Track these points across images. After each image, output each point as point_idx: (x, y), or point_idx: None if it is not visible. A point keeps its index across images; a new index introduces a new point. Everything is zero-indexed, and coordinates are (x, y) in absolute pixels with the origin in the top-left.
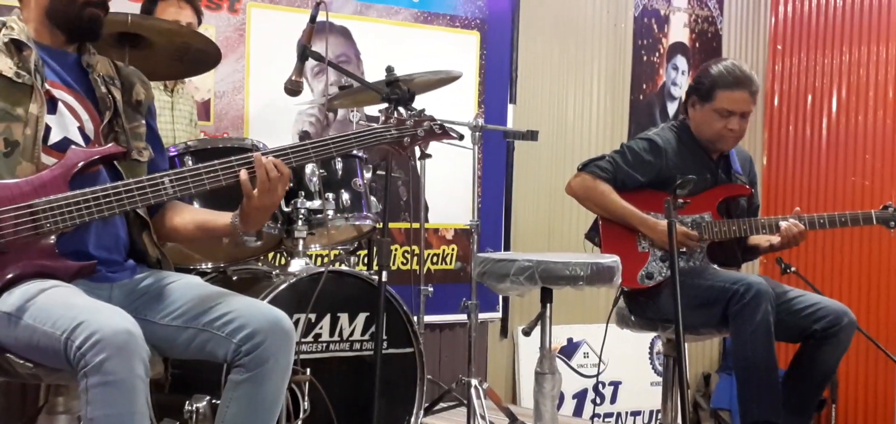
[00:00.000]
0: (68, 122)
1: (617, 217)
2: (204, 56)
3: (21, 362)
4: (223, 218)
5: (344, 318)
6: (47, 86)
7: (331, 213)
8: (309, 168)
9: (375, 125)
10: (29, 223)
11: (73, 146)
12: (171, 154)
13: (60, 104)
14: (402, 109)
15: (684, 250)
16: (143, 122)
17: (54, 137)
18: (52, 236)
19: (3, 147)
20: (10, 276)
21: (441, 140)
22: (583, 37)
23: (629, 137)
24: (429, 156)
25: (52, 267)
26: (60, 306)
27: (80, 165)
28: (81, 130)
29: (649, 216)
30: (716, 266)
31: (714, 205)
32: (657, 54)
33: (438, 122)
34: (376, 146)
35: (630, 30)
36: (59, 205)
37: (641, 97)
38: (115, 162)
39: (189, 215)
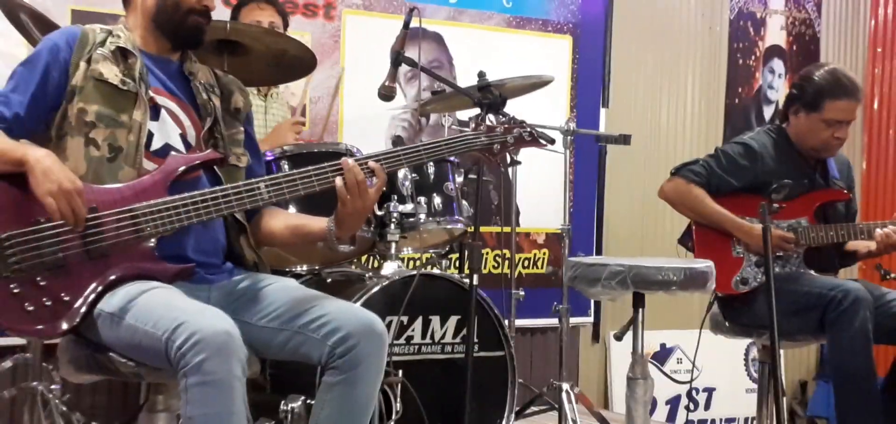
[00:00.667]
0: (170, 128)
1: (711, 222)
2: (299, 62)
3: (123, 360)
4: (318, 223)
5: (436, 321)
6: (151, 93)
7: (423, 217)
8: (401, 172)
9: (467, 132)
10: (130, 227)
11: (173, 152)
12: (268, 158)
13: (163, 111)
14: (492, 116)
15: (780, 254)
16: (242, 129)
17: (156, 143)
18: (152, 240)
19: (108, 152)
20: (112, 278)
21: (532, 147)
22: (677, 40)
23: (724, 142)
24: (518, 163)
25: (152, 270)
26: (162, 306)
27: (180, 170)
28: (183, 136)
29: (744, 221)
30: (812, 272)
31: (811, 210)
32: (753, 57)
33: (529, 128)
34: (467, 153)
35: (725, 33)
36: (158, 209)
37: (737, 101)
38: (215, 167)
39: (285, 220)
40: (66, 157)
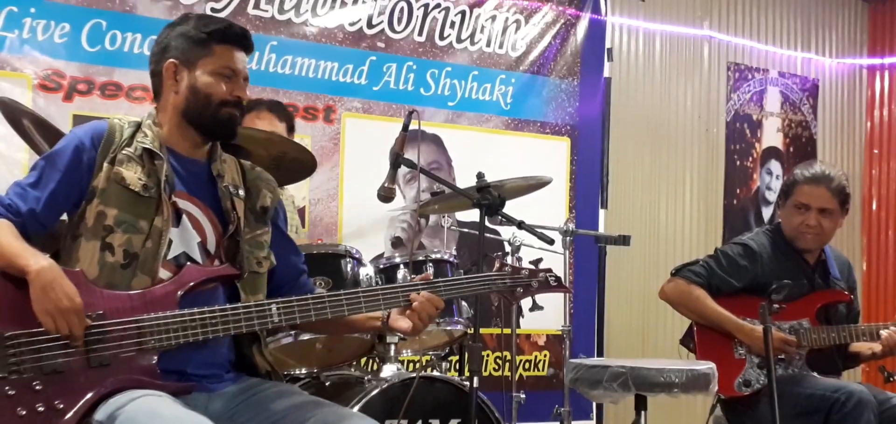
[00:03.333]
0: (190, 236)
1: (712, 323)
2: (300, 165)
3: None
4: (374, 320)
5: None
6: (174, 197)
7: None
8: (401, 273)
9: (490, 273)
10: (134, 339)
11: (189, 264)
12: None
13: (185, 216)
14: (513, 261)
15: (783, 357)
16: (268, 229)
17: (174, 251)
18: (155, 355)
19: (123, 259)
20: (109, 389)
21: (556, 292)
22: (674, 142)
23: (723, 242)
24: (540, 308)
25: (151, 384)
26: (146, 416)
27: (192, 284)
28: (202, 244)
29: (745, 322)
30: (815, 374)
31: (812, 311)
32: (750, 159)
33: (554, 274)
34: (489, 293)
35: (722, 134)
36: (165, 323)
37: (735, 202)
38: (236, 282)
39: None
40: (77, 259)
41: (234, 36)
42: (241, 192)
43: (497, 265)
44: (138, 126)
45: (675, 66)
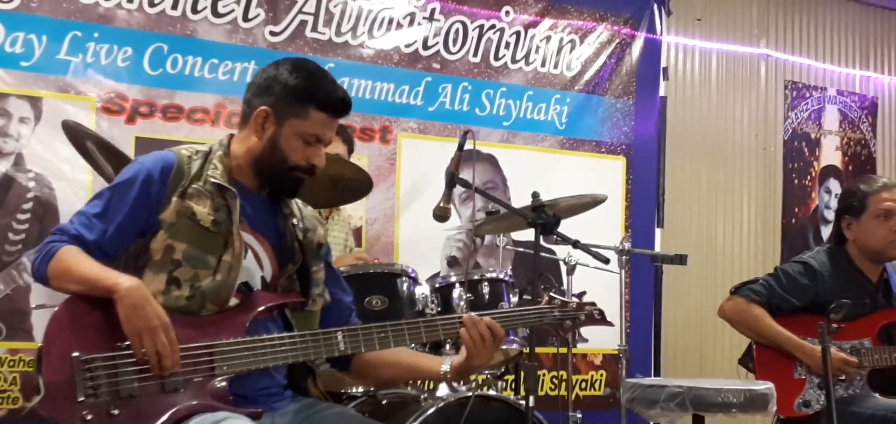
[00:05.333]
0: (253, 269)
1: (771, 342)
2: (357, 185)
3: None
4: (432, 364)
5: None
6: (243, 235)
7: None
8: (456, 292)
9: (540, 306)
10: (205, 365)
11: (257, 290)
12: None
13: (249, 251)
14: (559, 297)
15: (843, 377)
16: (322, 264)
17: (238, 280)
18: (226, 379)
19: (188, 292)
20: (182, 414)
21: (600, 326)
22: (731, 160)
23: (781, 261)
24: (585, 340)
25: (223, 408)
26: None
27: (261, 309)
28: (263, 278)
29: (805, 342)
30: (877, 395)
31: (874, 331)
32: (809, 177)
33: (598, 309)
34: (539, 325)
35: (780, 153)
36: (237, 350)
37: (794, 220)
38: (286, 310)
39: (395, 358)
40: None
41: (334, 106)
42: (301, 227)
43: (545, 298)
44: (206, 157)
45: (731, 84)
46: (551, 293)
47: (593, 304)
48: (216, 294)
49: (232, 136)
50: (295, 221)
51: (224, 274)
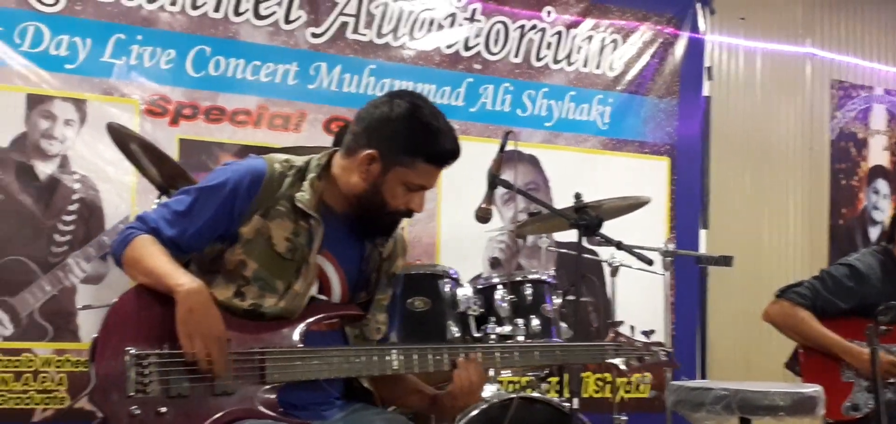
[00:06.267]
0: (319, 294)
1: (817, 345)
2: None
3: None
4: (425, 393)
5: None
6: (318, 258)
7: (521, 338)
8: (499, 293)
9: (604, 343)
10: (257, 370)
11: (314, 302)
12: None
13: (319, 279)
14: (630, 335)
15: (892, 380)
16: (390, 293)
17: None
18: (276, 388)
19: (247, 307)
20: (230, 418)
21: (665, 367)
22: (776, 161)
23: (829, 263)
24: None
25: (270, 416)
26: None
27: (314, 320)
28: (328, 298)
29: (853, 344)
30: None
31: None
32: (856, 178)
33: (665, 349)
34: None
35: (826, 153)
36: (290, 358)
37: (841, 222)
38: (346, 328)
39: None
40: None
41: (444, 159)
42: (385, 253)
43: (611, 335)
44: (301, 175)
45: (776, 84)
46: (617, 330)
47: (661, 344)
48: (276, 317)
49: (332, 156)
50: (381, 249)
51: (288, 302)
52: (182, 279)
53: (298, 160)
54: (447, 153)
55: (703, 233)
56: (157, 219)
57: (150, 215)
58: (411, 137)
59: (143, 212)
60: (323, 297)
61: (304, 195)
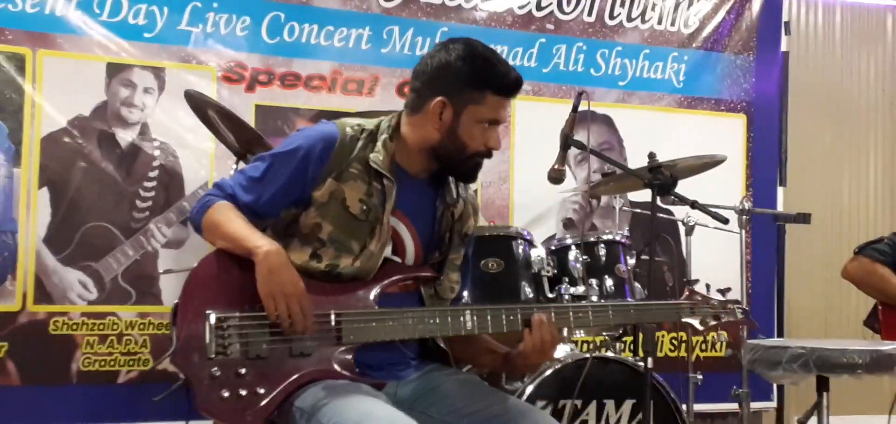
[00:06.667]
0: (392, 256)
1: None
2: None
3: None
4: (498, 352)
5: (610, 405)
6: (392, 220)
7: (595, 298)
8: (572, 254)
9: (680, 301)
10: (334, 332)
11: (392, 263)
12: None
13: (393, 239)
14: (706, 293)
15: None
16: (463, 253)
17: None
18: (353, 349)
19: (324, 267)
20: (307, 379)
21: (742, 326)
22: (856, 116)
23: None
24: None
25: (348, 377)
26: (354, 412)
27: (389, 281)
28: (402, 260)
29: None
30: None
31: None
32: None
33: (742, 307)
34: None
35: None
36: (366, 319)
37: None
38: (422, 289)
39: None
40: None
41: (510, 87)
42: (455, 215)
43: (686, 293)
44: (372, 137)
45: (856, 38)
46: (693, 289)
47: (737, 302)
48: (352, 277)
49: (400, 116)
50: (454, 209)
51: (364, 261)
52: (260, 242)
53: (369, 123)
54: (513, 81)
55: (780, 191)
56: (234, 185)
57: (226, 182)
58: (476, 73)
59: (220, 179)
60: (397, 258)
61: (378, 156)
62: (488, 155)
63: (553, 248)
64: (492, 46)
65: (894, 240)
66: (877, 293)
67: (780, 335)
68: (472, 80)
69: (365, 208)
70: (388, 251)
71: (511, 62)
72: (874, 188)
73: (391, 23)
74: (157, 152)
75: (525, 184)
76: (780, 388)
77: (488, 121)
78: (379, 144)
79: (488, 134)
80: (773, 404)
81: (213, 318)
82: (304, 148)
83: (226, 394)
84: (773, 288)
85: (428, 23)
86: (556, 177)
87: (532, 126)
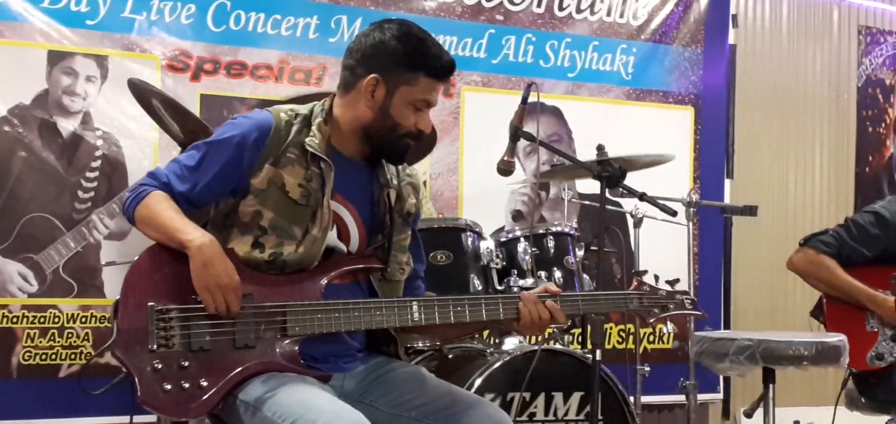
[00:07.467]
0: (337, 240)
1: (842, 293)
2: (422, 140)
3: None
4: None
5: (558, 397)
6: (333, 203)
7: None
8: (521, 246)
9: (627, 292)
10: (279, 324)
11: (336, 254)
12: None
13: (335, 223)
14: (649, 283)
15: None
16: (410, 232)
17: None
18: (298, 341)
19: (267, 257)
20: (252, 371)
21: (690, 316)
22: (803, 109)
23: (855, 212)
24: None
25: (293, 369)
26: (299, 405)
27: (336, 273)
28: (348, 251)
29: (878, 293)
30: None
31: None
32: (883, 125)
33: (690, 297)
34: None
35: (853, 101)
36: (310, 311)
37: (867, 170)
38: (372, 277)
39: None
40: (229, 248)
41: (443, 70)
42: (394, 195)
43: (635, 283)
44: (307, 121)
45: (803, 31)
46: (641, 279)
47: (685, 293)
48: (296, 265)
49: (333, 99)
50: (391, 190)
51: (307, 247)
52: (193, 234)
53: (303, 108)
54: (446, 64)
55: (727, 183)
56: (169, 174)
57: (161, 172)
58: (410, 54)
59: (155, 168)
60: (342, 244)
61: (313, 139)
62: (419, 137)
63: (502, 240)
64: (441, 37)
65: (839, 232)
66: (821, 285)
67: (727, 327)
68: (406, 60)
69: (305, 192)
70: (332, 236)
71: (460, 53)
72: (820, 181)
73: (339, 12)
74: (99, 142)
75: (474, 176)
76: (727, 380)
77: (420, 102)
78: (314, 127)
79: (419, 116)
80: (720, 396)
81: (154, 309)
82: (239, 135)
83: (168, 387)
84: (719, 280)
85: (377, 12)
86: (505, 169)
87: (481, 117)
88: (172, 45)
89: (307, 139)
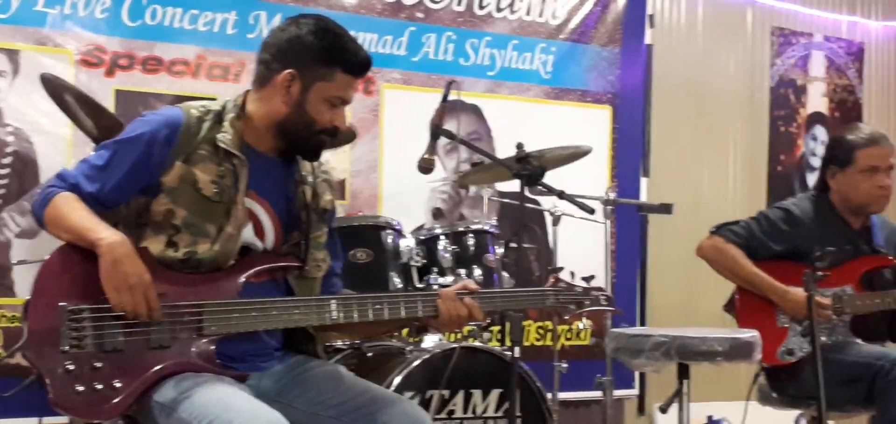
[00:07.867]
0: (254, 239)
1: (748, 283)
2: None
3: None
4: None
5: (477, 395)
6: (247, 200)
7: None
8: (441, 243)
9: (544, 288)
10: (194, 323)
11: (251, 253)
12: None
13: (251, 219)
14: (571, 280)
15: (828, 326)
16: (326, 229)
17: None
18: (214, 340)
19: (182, 256)
20: (167, 371)
21: (605, 312)
22: (717, 109)
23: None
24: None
25: (208, 369)
26: (216, 404)
27: (253, 272)
28: (264, 249)
29: (779, 285)
30: (860, 341)
31: (856, 277)
32: (795, 125)
33: (606, 294)
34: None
35: (766, 100)
36: (227, 310)
37: (779, 168)
38: (289, 276)
39: None
40: (143, 247)
41: (360, 67)
42: (309, 192)
43: (551, 280)
44: (219, 117)
45: (718, 32)
46: (558, 276)
47: (602, 289)
48: (212, 263)
49: (246, 94)
50: (306, 187)
51: (222, 245)
52: (103, 233)
53: (214, 105)
54: (363, 60)
55: (644, 181)
56: (77, 175)
57: (69, 173)
58: (326, 49)
59: (63, 170)
60: (258, 242)
61: (225, 135)
62: (334, 134)
63: (422, 238)
64: (361, 34)
65: (750, 224)
66: (728, 273)
67: (643, 323)
68: (322, 55)
69: (218, 189)
70: (248, 233)
71: (380, 51)
72: (733, 180)
73: (258, 7)
74: (10, 138)
75: (394, 173)
76: (643, 376)
77: (336, 99)
78: (226, 123)
79: (335, 113)
80: (636, 391)
81: (65, 309)
82: (148, 133)
83: (80, 388)
84: (636, 277)
85: (296, 8)
86: (425, 167)
87: (401, 115)
88: (86, 40)
89: (219, 135)
